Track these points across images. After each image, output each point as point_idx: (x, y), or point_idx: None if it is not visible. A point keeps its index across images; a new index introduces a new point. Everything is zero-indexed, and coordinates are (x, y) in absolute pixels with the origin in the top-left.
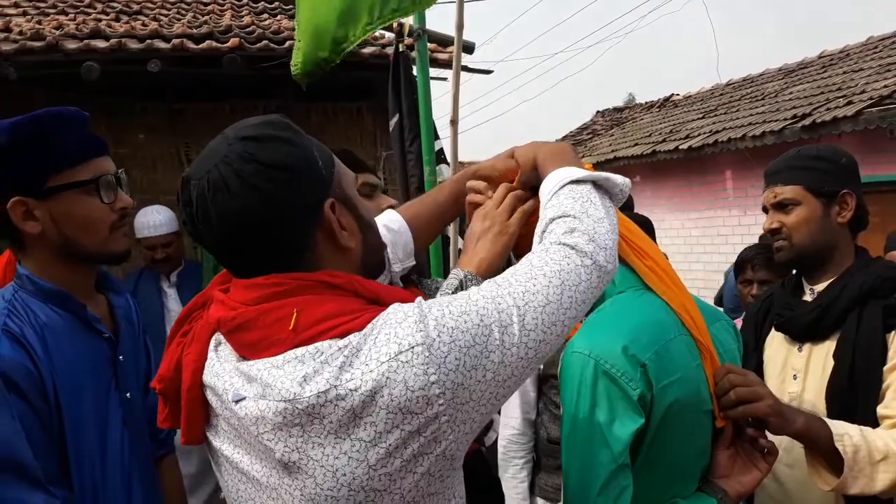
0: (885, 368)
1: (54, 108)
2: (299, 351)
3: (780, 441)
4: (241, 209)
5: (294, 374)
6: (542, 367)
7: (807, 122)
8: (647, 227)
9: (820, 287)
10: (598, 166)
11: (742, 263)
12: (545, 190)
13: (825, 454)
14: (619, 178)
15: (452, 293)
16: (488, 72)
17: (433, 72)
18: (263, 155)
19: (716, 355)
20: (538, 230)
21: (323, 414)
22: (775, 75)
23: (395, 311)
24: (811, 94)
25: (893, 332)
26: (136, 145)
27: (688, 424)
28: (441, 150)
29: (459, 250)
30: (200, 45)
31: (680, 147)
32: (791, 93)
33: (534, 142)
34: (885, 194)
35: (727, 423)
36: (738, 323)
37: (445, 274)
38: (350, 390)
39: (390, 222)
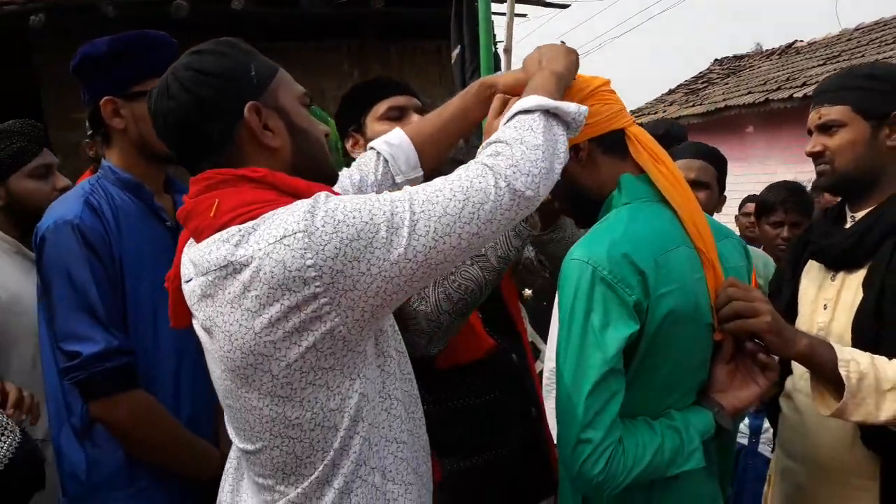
0: None
1: (142, 31)
2: (218, 234)
3: (803, 372)
4: (175, 108)
5: (209, 253)
6: None
7: None
8: (717, 159)
9: (862, 215)
10: (707, 115)
11: (771, 205)
12: (502, 121)
13: (832, 380)
14: (571, 107)
15: None
16: (564, 6)
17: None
18: (198, 64)
19: (720, 269)
20: None
21: (225, 286)
22: None
23: (297, 203)
24: None
25: None
26: None
27: (684, 336)
28: None
29: None
30: None
31: (794, 95)
32: None
33: (547, 48)
34: None
35: (727, 338)
36: None
37: None
38: (242, 265)
39: (391, 137)
